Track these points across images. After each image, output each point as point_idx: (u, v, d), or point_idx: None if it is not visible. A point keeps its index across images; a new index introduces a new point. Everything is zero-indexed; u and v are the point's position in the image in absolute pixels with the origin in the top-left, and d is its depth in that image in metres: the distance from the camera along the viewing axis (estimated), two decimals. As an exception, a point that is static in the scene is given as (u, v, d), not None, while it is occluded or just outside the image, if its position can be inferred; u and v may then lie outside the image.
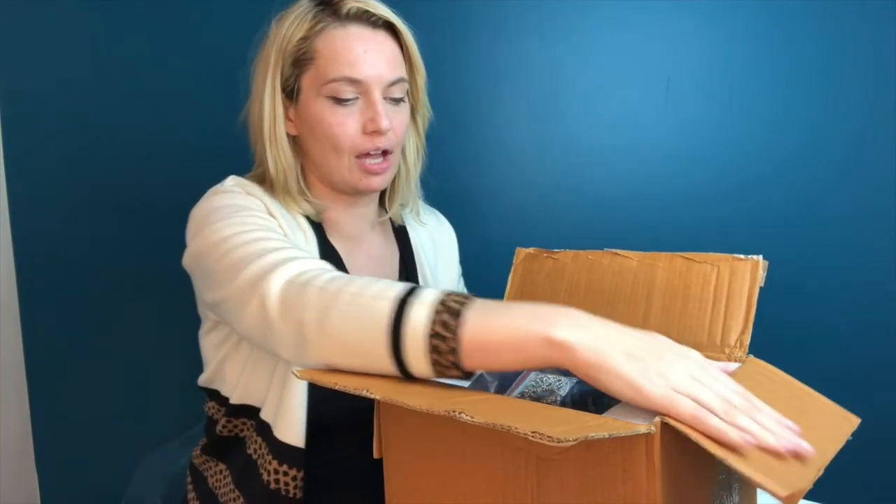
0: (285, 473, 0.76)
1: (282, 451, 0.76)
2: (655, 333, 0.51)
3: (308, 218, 0.85)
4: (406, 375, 0.55)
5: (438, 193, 1.02)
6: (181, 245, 0.78)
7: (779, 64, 1.09)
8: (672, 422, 0.45)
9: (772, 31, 1.09)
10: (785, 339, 0.94)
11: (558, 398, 0.64)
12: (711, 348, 0.63)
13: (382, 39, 0.81)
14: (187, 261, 0.76)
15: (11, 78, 1.38)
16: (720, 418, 0.44)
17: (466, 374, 0.54)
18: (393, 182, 0.91)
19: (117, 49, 1.33)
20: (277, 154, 0.82)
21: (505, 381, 0.70)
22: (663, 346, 0.50)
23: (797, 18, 1.07)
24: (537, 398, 0.64)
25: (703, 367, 0.49)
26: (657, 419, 0.44)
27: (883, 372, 1.08)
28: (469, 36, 1.22)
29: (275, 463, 0.76)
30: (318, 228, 0.86)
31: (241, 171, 0.86)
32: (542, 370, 0.69)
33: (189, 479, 0.89)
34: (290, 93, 0.82)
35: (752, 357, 0.60)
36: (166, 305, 1.27)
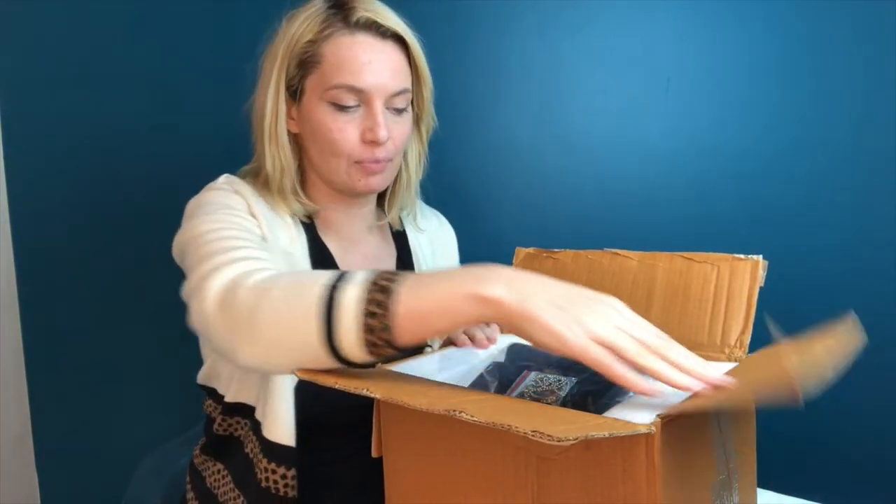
0: (274, 472, 0.76)
1: (272, 450, 0.75)
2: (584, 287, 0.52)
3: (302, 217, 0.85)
4: (338, 360, 0.54)
5: (438, 193, 1.02)
6: (181, 244, 0.78)
7: (779, 63, 1.09)
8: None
9: (772, 31, 1.09)
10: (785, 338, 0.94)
11: (558, 398, 0.64)
12: (711, 348, 0.63)
13: (389, 50, 0.80)
14: (174, 253, 0.77)
15: (11, 77, 1.38)
16: (632, 361, 0.47)
17: (399, 351, 0.54)
18: (393, 186, 0.91)
19: (117, 49, 1.34)
20: (276, 152, 0.82)
21: (505, 381, 0.70)
22: (588, 297, 0.51)
23: (797, 18, 1.07)
24: (537, 398, 0.65)
25: (624, 314, 0.50)
26: (657, 419, 0.44)
27: (883, 372, 1.07)
28: (469, 35, 1.22)
29: (265, 462, 0.76)
30: (310, 228, 0.85)
31: (243, 171, 0.86)
32: (543, 370, 0.69)
33: (188, 479, 0.89)
34: (294, 92, 0.82)
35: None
36: (166, 305, 1.26)
